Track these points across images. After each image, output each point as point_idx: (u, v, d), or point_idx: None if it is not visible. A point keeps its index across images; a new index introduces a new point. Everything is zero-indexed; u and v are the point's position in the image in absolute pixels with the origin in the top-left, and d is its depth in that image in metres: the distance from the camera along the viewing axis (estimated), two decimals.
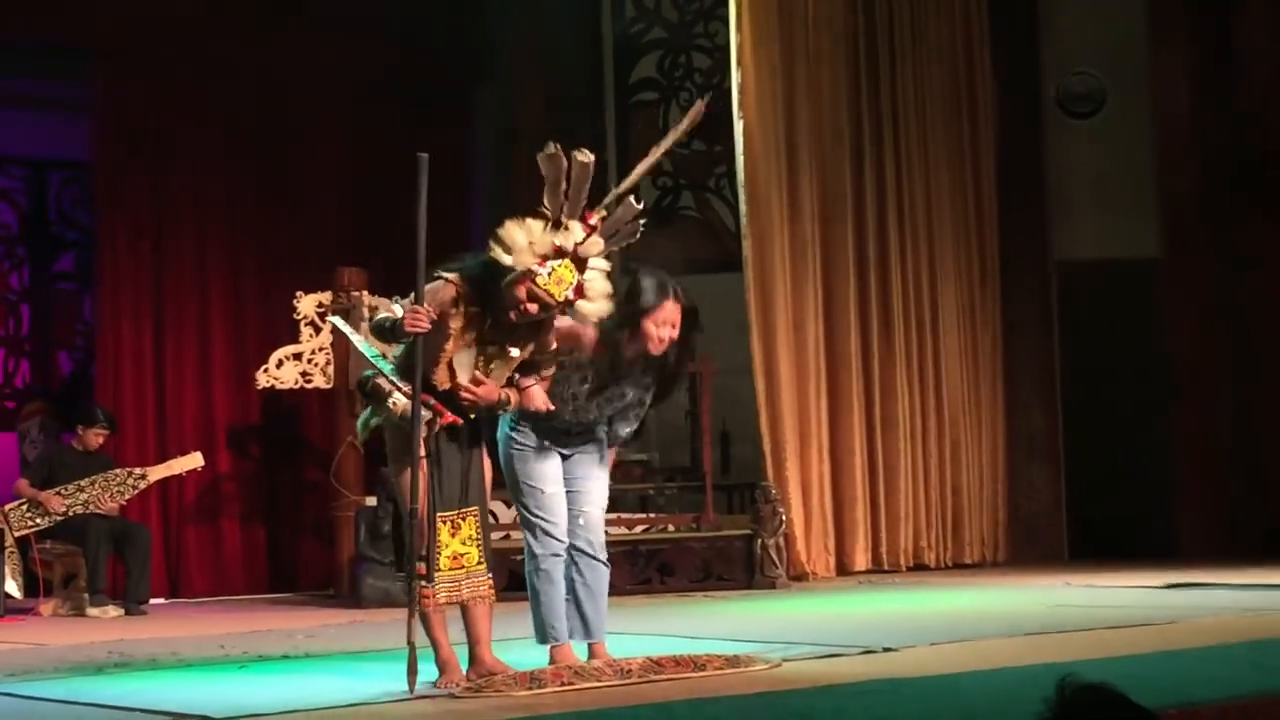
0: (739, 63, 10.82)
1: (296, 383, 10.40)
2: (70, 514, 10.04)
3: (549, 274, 5.49)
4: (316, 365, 10.46)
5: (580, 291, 5.55)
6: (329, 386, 10.45)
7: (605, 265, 5.63)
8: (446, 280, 5.59)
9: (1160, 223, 12.16)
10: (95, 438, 10.31)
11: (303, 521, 11.42)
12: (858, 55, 11.49)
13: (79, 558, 10.06)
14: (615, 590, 9.83)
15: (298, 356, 10.45)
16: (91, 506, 10.07)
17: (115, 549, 10.04)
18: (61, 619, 9.72)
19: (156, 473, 10.36)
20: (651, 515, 10.86)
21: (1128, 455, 12.00)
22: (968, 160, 11.86)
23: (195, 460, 10.42)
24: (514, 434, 5.98)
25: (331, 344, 10.36)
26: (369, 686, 5.81)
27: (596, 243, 5.57)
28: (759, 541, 10.22)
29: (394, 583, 9.72)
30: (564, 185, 5.49)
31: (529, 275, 5.47)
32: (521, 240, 5.49)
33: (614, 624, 7.91)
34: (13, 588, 10.13)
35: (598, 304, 5.59)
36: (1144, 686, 4.65)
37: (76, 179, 13.04)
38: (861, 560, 11.17)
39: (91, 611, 9.77)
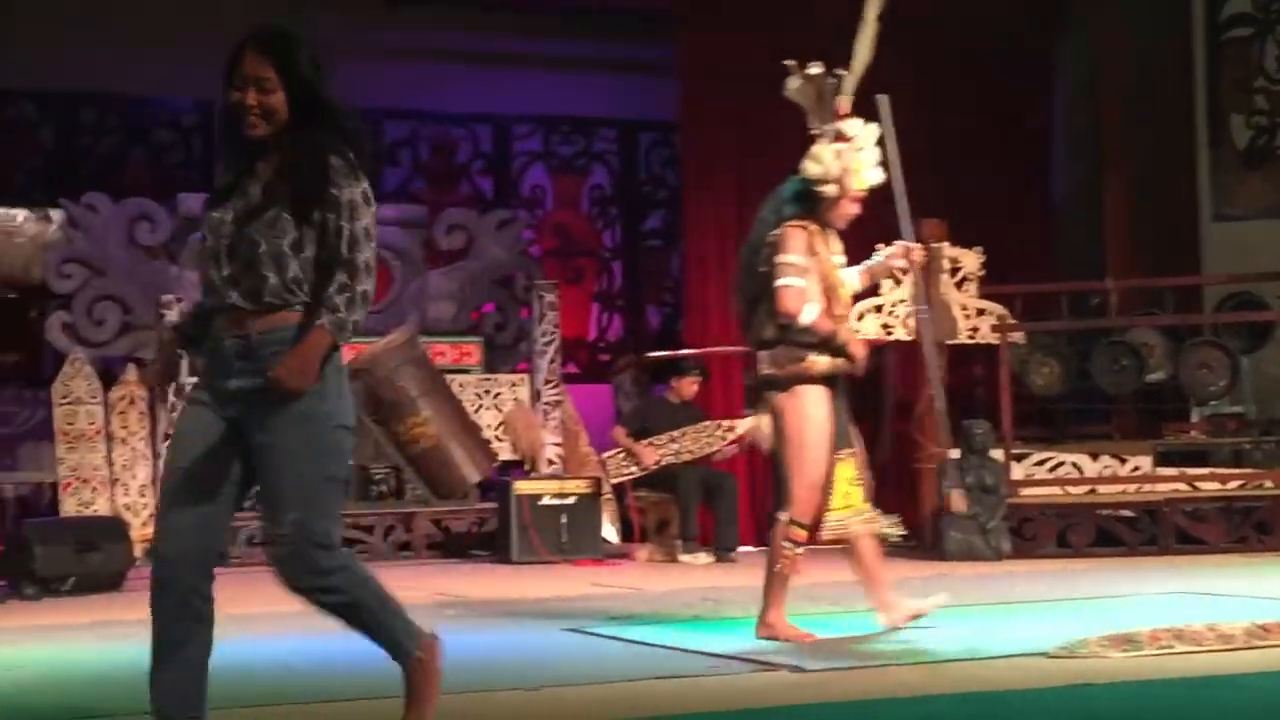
0: None
1: (878, 334, 10.42)
2: (662, 464, 10.39)
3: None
4: (897, 317, 10.48)
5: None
6: (910, 339, 10.42)
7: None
8: (799, 228, 6.23)
9: None
10: (689, 386, 10.62)
11: (884, 472, 11.43)
12: None
13: (671, 505, 10.42)
14: (1209, 548, 9.59)
15: (879, 309, 10.48)
16: (683, 456, 10.40)
17: (705, 498, 10.33)
18: (655, 564, 10.09)
19: (744, 426, 10.57)
20: (1248, 470, 10.41)
21: None
22: None
23: None
24: None
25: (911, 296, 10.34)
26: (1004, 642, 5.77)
27: (855, 122, 6.32)
28: None
29: (977, 536, 9.71)
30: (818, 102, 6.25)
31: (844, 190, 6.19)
32: (832, 160, 6.21)
33: (1208, 584, 7.64)
34: (611, 533, 10.61)
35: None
36: None
37: (665, 140, 13.52)
38: None
39: (683, 558, 10.09)
